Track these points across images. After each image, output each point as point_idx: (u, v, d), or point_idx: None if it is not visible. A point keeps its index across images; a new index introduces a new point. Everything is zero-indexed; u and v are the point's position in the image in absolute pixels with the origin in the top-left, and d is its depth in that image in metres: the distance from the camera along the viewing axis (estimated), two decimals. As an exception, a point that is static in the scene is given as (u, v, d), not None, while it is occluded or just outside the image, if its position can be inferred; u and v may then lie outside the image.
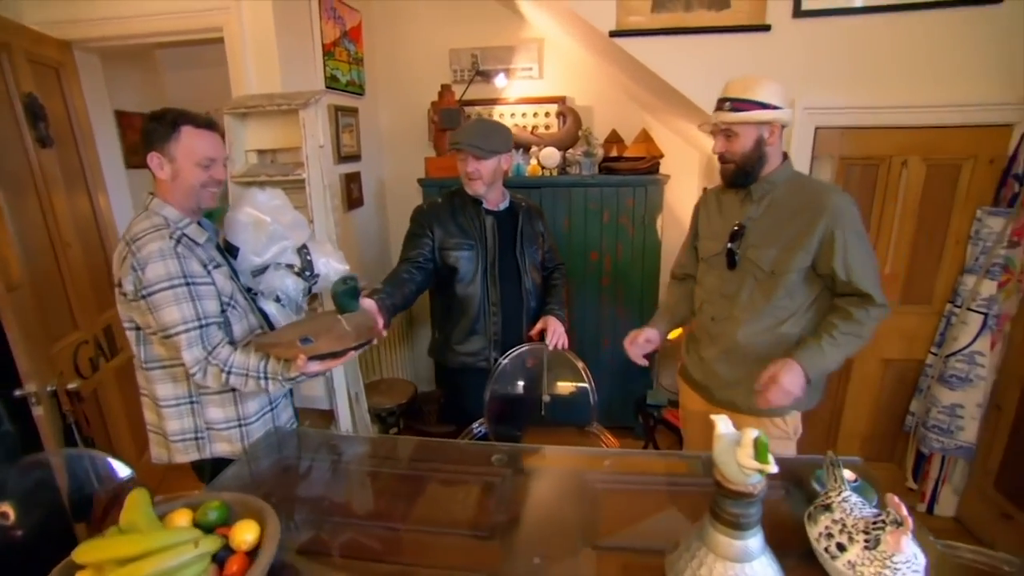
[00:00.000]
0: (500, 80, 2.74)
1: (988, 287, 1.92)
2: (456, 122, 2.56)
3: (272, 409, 1.42)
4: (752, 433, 0.78)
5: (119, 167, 2.42)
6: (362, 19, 2.72)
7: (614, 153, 2.56)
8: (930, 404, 2.07)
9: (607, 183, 2.48)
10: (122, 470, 1.23)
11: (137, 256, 1.15)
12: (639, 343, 1.50)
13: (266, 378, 1.21)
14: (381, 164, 3.07)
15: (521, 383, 1.73)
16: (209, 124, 1.26)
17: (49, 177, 1.88)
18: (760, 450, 0.76)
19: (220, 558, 0.82)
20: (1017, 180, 1.85)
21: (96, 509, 1.12)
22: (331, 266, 1.66)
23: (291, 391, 1.59)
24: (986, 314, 1.92)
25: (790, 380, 1.21)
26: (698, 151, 2.69)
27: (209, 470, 1.31)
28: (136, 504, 0.84)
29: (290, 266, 1.57)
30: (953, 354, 1.99)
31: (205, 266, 1.24)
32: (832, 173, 2.08)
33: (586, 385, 1.67)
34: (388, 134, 3.04)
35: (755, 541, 0.81)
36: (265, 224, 1.49)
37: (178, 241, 1.20)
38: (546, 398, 1.71)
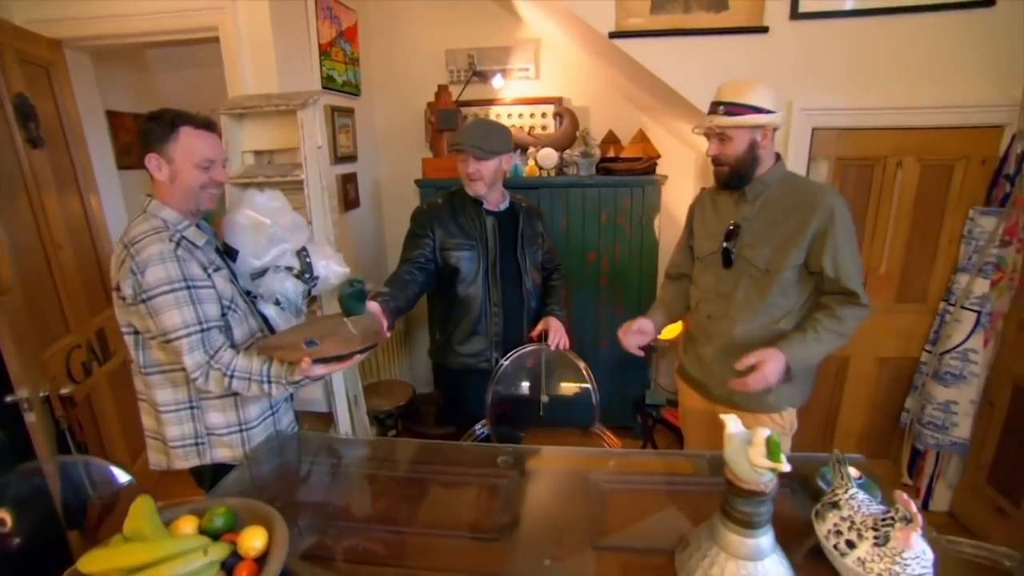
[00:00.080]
0: (497, 80, 2.74)
1: (981, 285, 1.95)
2: (454, 123, 2.55)
3: (273, 413, 1.41)
4: (764, 432, 0.78)
5: (111, 168, 2.39)
6: (358, 19, 2.70)
7: (611, 154, 2.56)
8: (925, 401, 2.10)
9: (605, 184, 2.49)
10: (122, 476, 1.21)
11: (136, 259, 1.13)
12: (632, 331, 1.51)
13: (269, 382, 1.19)
14: (377, 165, 3.05)
15: (523, 384, 1.73)
16: (208, 125, 1.24)
17: (40, 178, 1.85)
18: (772, 449, 0.76)
19: (228, 565, 0.82)
20: (1008, 180, 1.89)
21: (90, 516, 1.10)
22: (331, 268, 1.65)
23: (291, 395, 1.57)
24: (979, 312, 1.95)
25: (772, 368, 1.24)
26: (695, 152, 2.70)
27: (209, 476, 1.29)
28: (141, 511, 0.82)
29: (289, 269, 1.56)
30: (947, 352, 2.02)
31: (205, 269, 1.22)
32: (828, 173, 2.10)
33: (588, 385, 1.68)
34: (384, 135, 3.02)
35: (766, 539, 0.82)
36: (265, 226, 1.47)
37: (178, 244, 1.18)
38: (544, 399, 1.72)
